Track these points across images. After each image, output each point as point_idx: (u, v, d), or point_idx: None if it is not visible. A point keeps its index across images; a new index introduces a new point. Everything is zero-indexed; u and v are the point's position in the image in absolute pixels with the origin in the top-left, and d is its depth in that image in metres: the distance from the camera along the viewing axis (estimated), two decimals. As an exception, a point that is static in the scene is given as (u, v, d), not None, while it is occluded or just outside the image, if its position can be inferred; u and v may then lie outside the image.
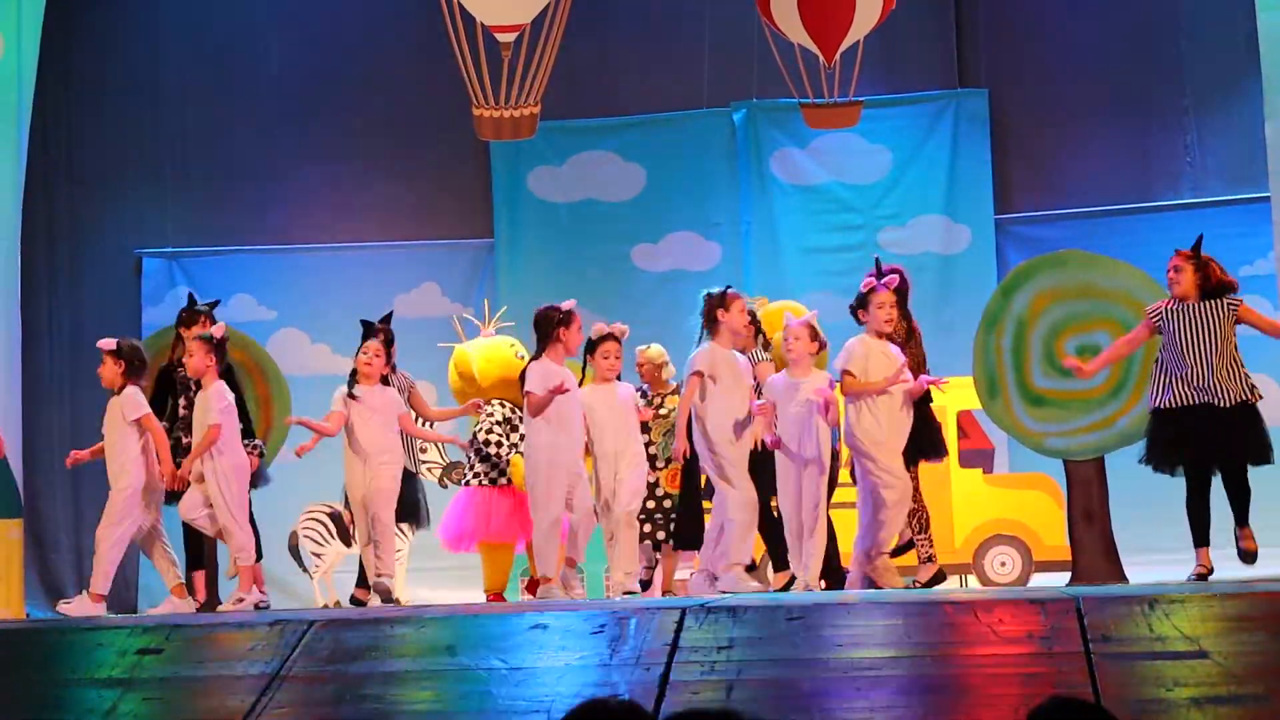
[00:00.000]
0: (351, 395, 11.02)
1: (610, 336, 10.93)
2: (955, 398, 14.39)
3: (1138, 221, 15.78)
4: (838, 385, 10.66)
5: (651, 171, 16.78)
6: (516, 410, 11.78)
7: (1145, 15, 16.18)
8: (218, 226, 16.99)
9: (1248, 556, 10.36)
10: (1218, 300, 10.44)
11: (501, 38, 13.10)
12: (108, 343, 11.09)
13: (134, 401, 10.94)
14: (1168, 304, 10.47)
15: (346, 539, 13.64)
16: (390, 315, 11.48)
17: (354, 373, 11.12)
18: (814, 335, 10.72)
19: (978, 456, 14.93)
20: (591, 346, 10.91)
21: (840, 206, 16.53)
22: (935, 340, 14.04)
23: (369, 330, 11.24)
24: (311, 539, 14.16)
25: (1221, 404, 10.22)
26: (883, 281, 10.77)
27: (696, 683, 6.80)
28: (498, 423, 12.00)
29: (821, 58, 13.49)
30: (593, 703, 4.03)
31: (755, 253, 16.38)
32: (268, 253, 16.84)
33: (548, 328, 10.80)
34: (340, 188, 16.98)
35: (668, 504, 11.54)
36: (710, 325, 10.63)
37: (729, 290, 10.72)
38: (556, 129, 15.52)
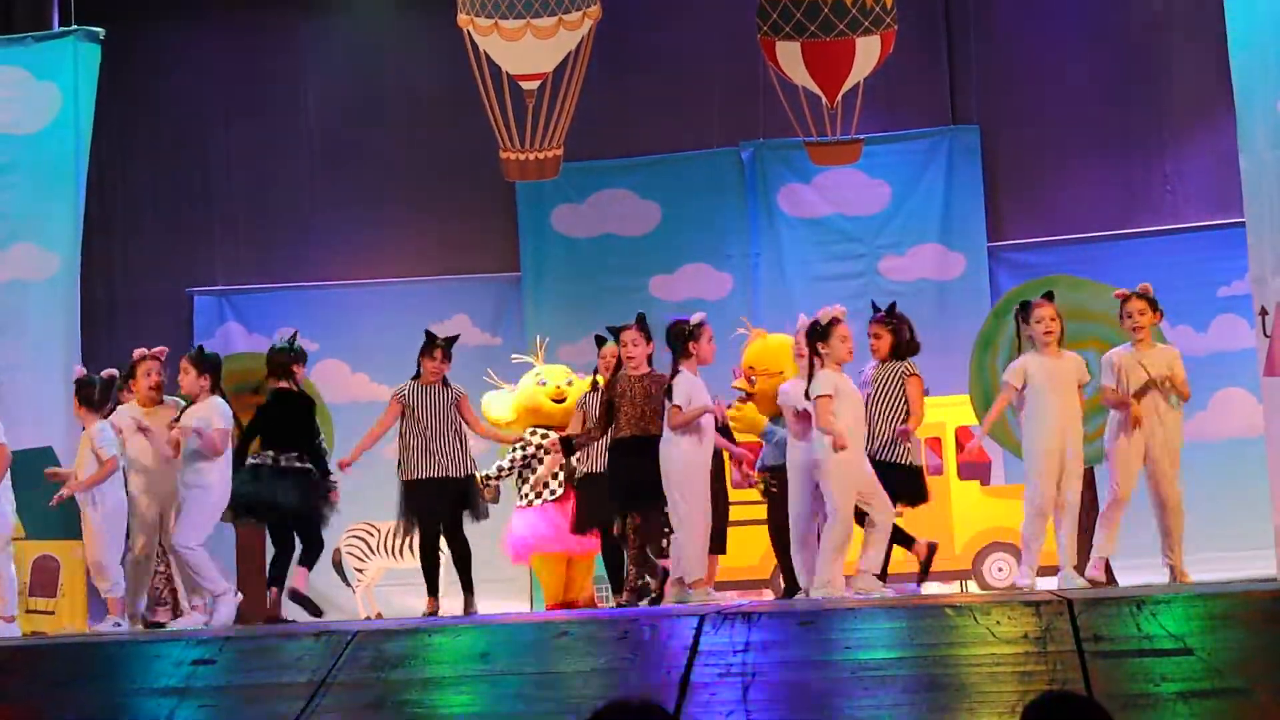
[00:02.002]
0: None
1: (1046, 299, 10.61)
2: (953, 414, 14.40)
3: (1121, 246, 15.76)
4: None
5: (666, 207, 16.79)
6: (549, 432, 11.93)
7: (1125, 55, 16.19)
8: (263, 265, 17.05)
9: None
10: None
11: (526, 86, 13.17)
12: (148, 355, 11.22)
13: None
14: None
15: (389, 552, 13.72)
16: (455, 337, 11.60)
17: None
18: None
19: (975, 469, 14.91)
20: (695, 334, 10.46)
21: (843, 237, 16.52)
22: (934, 360, 13.99)
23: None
24: (354, 555, 14.20)
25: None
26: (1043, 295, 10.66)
27: (714, 684, 6.78)
28: (538, 446, 12.14)
29: (824, 99, 13.50)
30: (616, 704, 4.03)
31: (765, 282, 16.39)
32: (310, 289, 16.89)
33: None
34: (376, 227, 17.02)
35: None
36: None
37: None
38: (577, 169, 15.53)
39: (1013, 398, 10.44)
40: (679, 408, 10.20)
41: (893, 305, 10.87)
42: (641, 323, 10.73)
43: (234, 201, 17.19)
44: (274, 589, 11.14)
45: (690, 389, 10.26)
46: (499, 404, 12.80)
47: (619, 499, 10.68)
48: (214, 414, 10.86)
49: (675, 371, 10.40)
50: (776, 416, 10.82)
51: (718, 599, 10.35)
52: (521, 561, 12.60)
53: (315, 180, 17.15)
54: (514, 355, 13.35)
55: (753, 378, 11.26)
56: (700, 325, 10.47)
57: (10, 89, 14.22)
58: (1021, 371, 10.41)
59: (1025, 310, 10.54)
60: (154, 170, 17.19)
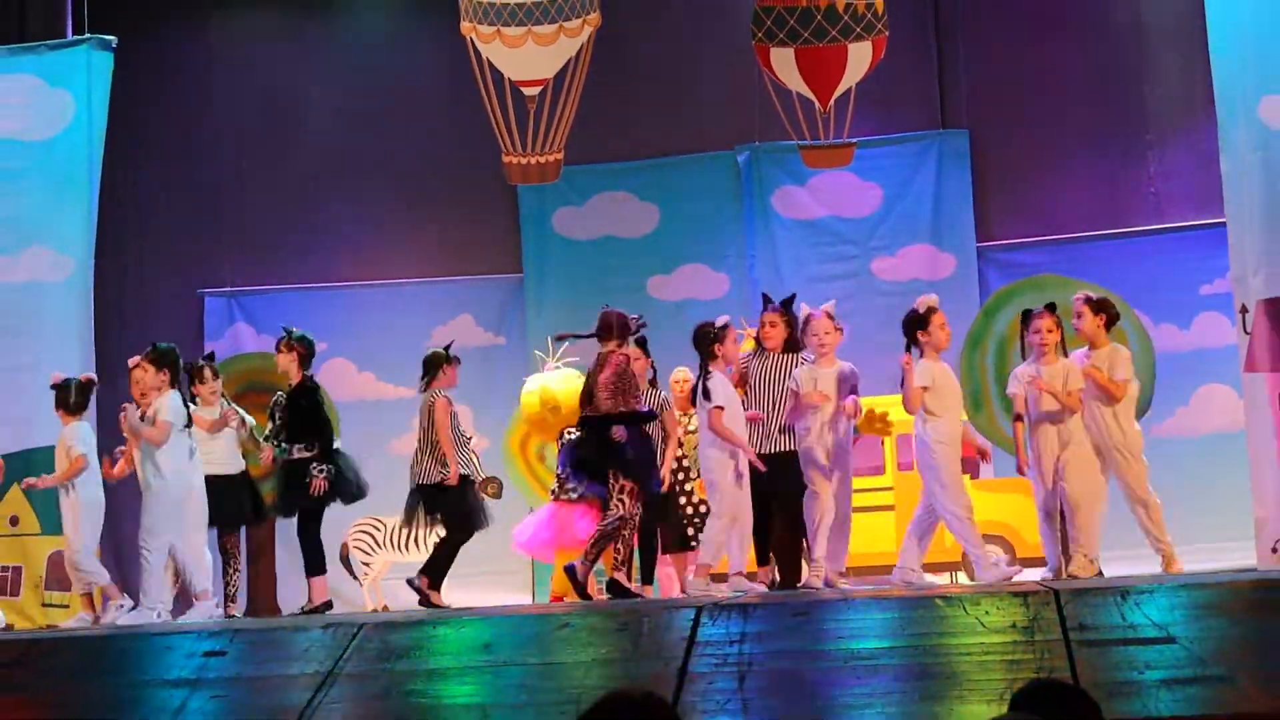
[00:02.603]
0: None
1: (825, 314, 10.66)
2: (943, 410, 14.37)
3: (1107, 246, 15.75)
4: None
5: (664, 209, 16.78)
6: None
7: (1111, 60, 16.19)
8: (272, 267, 17.05)
9: None
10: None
11: (528, 91, 13.18)
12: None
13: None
14: None
15: (396, 546, 13.70)
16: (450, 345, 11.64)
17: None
18: (836, 326, 10.62)
19: (965, 464, 14.88)
20: (720, 336, 10.55)
21: (836, 238, 16.51)
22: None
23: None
24: (361, 549, 14.20)
25: None
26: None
27: (711, 674, 6.79)
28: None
29: (817, 104, 13.51)
30: (616, 693, 4.03)
31: (760, 282, 16.32)
32: (317, 290, 16.89)
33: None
34: (382, 229, 17.02)
35: (704, 509, 11.34)
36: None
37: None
38: (578, 172, 15.52)
39: (1020, 407, 10.46)
40: (720, 409, 10.24)
41: (790, 298, 10.92)
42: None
43: (243, 205, 17.19)
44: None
45: (725, 390, 10.30)
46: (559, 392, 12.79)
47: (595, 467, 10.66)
48: (163, 407, 10.91)
49: (706, 373, 10.44)
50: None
51: (715, 591, 10.39)
52: (540, 556, 12.54)
53: (322, 184, 17.15)
54: (536, 351, 13.32)
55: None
56: (725, 328, 10.61)
57: (25, 96, 14.24)
58: (1018, 381, 10.45)
59: (1026, 319, 10.54)
60: (165, 174, 17.19)
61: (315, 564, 11.22)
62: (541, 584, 14.00)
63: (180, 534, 10.96)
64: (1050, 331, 10.41)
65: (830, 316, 10.60)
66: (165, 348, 11.29)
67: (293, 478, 11.15)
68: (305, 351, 11.31)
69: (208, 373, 11.68)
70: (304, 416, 11.21)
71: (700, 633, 7.20)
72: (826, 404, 10.48)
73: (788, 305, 10.94)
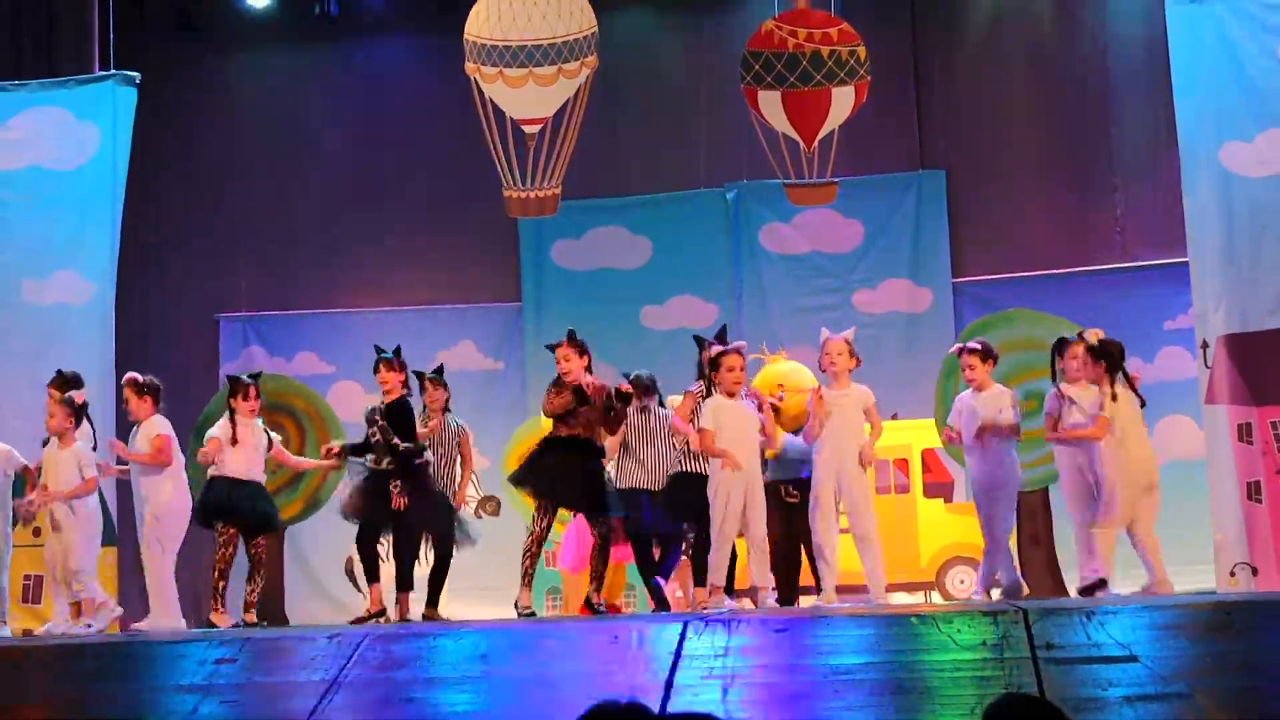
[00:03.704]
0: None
1: (735, 351, 10.35)
2: (919, 437, 14.40)
3: (1076, 282, 15.78)
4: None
5: (657, 243, 16.80)
6: None
7: (1080, 105, 16.23)
8: (284, 293, 17.05)
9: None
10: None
11: (528, 129, 13.19)
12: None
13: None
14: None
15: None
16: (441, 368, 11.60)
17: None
18: (852, 353, 10.42)
19: (939, 488, 14.89)
20: (714, 363, 10.28)
21: (820, 272, 16.52)
22: (902, 388, 14.10)
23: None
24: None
25: None
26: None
27: (696, 685, 6.78)
28: None
29: (802, 144, 13.52)
30: (604, 704, 4.02)
31: (747, 313, 16.37)
32: (327, 315, 16.89)
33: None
34: (389, 258, 17.02)
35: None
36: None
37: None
38: (575, 207, 15.52)
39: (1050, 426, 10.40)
40: (707, 431, 10.08)
41: (722, 329, 10.88)
42: (572, 338, 10.65)
43: (258, 233, 17.20)
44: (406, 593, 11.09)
45: (719, 416, 10.15)
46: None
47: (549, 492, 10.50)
48: (151, 430, 10.92)
49: (706, 396, 10.32)
50: (796, 431, 10.76)
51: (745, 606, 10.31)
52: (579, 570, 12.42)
53: (333, 214, 17.17)
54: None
55: (781, 394, 11.17)
56: (720, 355, 10.29)
57: (54, 128, 14.27)
58: (1055, 401, 10.38)
59: (1060, 347, 10.47)
60: (185, 203, 17.20)
61: (372, 572, 11.06)
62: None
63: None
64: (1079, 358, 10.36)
65: (847, 342, 10.46)
66: (148, 379, 11.24)
67: (375, 486, 10.90)
68: (405, 371, 11.16)
69: (251, 390, 11.39)
70: (400, 427, 10.93)
71: (686, 646, 7.19)
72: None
73: (721, 339, 10.80)
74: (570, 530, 12.21)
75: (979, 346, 10.72)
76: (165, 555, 10.89)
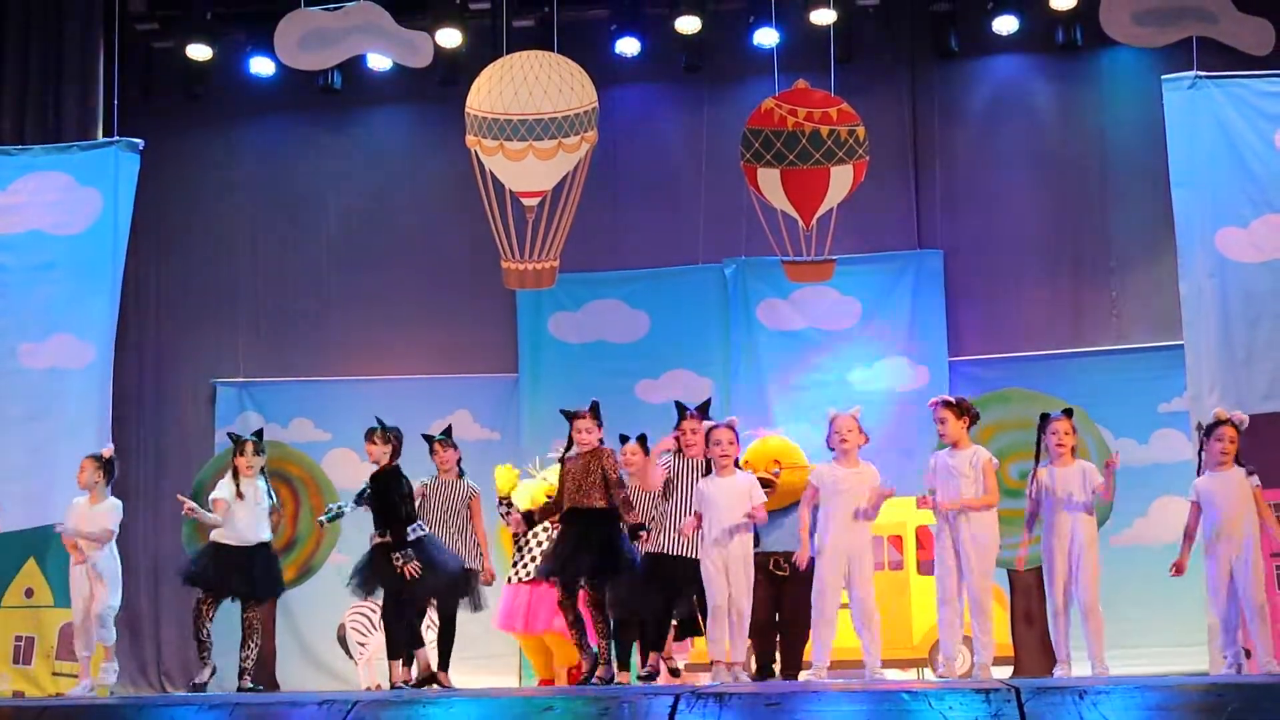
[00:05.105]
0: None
1: (727, 426, 10.44)
2: (914, 514, 14.37)
3: (1071, 363, 15.79)
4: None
5: (654, 317, 16.80)
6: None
7: (1077, 188, 16.30)
8: (282, 359, 17.06)
9: None
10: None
11: (527, 202, 13.27)
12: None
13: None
14: None
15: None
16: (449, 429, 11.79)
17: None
18: (861, 429, 10.42)
19: (933, 566, 14.83)
20: (706, 437, 10.42)
21: (816, 350, 16.51)
22: (898, 464, 14.06)
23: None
24: (357, 630, 14.13)
25: None
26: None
27: (687, 758, 6.76)
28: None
29: (801, 222, 13.58)
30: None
31: (743, 389, 16.36)
32: (323, 382, 16.89)
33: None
34: (387, 327, 17.04)
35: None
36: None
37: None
38: (573, 280, 15.57)
39: (1033, 508, 10.42)
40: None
41: (706, 402, 11.01)
42: (595, 410, 10.73)
43: (256, 300, 17.23)
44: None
45: (710, 488, 10.28)
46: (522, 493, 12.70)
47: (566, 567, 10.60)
48: (108, 514, 11.46)
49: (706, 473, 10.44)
50: (790, 506, 10.76)
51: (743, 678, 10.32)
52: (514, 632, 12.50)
53: (331, 282, 17.21)
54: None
55: (777, 470, 11.18)
56: (712, 430, 10.43)
57: (57, 193, 14.36)
58: (1035, 483, 10.39)
59: (1044, 423, 10.47)
60: (184, 270, 17.25)
61: (414, 642, 11.04)
62: (527, 670, 13.92)
63: None
64: (1067, 434, 10.36)
65: (855, 419, 10.46)
66: (110, 457, 11.62)
67: (380, 558, 10.97)
68: (398, 443, 11.24)
69: (249, 448, 11.46)
70: (386, 497, 11.03)
71: (678, 718, 7.16)
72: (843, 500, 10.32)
73: (704, 410, 10.90)
74: (507, 592, 12.25)
75: (953, 400, 10.65)
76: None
